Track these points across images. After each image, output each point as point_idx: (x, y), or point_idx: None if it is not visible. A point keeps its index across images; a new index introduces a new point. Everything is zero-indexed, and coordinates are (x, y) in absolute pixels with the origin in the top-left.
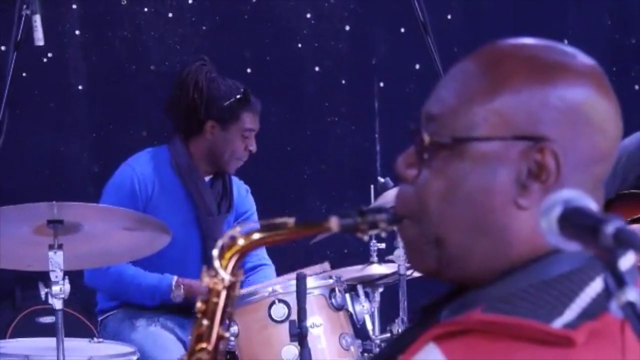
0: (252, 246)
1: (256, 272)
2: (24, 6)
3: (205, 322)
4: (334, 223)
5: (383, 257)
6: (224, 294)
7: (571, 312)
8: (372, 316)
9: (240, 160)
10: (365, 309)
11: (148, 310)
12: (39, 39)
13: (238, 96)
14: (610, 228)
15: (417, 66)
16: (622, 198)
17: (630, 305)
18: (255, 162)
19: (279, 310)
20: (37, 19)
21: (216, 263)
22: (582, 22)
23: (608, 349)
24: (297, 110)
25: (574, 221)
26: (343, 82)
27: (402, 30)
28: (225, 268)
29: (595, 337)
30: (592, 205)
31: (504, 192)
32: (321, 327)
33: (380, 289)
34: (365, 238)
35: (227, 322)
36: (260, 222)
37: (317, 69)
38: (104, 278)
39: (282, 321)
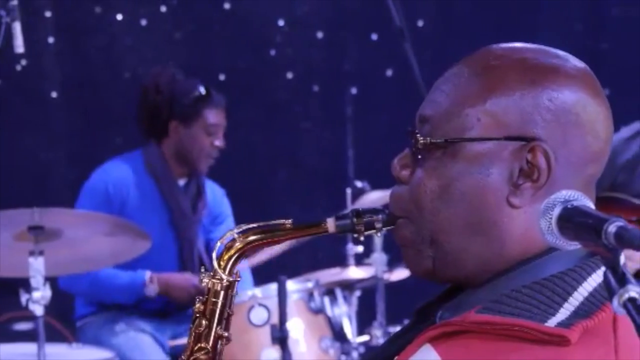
0: (250, 247)
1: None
2: (4, 13)
3: (204, 322)
4: (330, 224)
5: (361, 261)
6: (222, 294)
7: (565, 312)
8: (350, 319)
9: (210, 157)
10: (343, 312)
11: (126, 314)
12: (19, 45)
13: (197, 93)
14: (612, 227)
15: (389, 72)
16: (600, 201)
17: (631, 301)
18: (228, 167)
19: (258, 314)
20: (17, 27)
21: (215, 264)
22: (553, 27)
23: (601, 347)
24: (270, 116)
25: (575, 221)
26: (315, 88)
27: (374, 37)
28: (224, 269)
29: (589, 336)
30: (590, 204)
31: (496, 191)
32: (301, 331)
33: (358, 293)
34: (362, 238)
35: (226, 322)
36: (258, 224)
37: (289, 75)
38: (79, 281)
39: (261, 325)
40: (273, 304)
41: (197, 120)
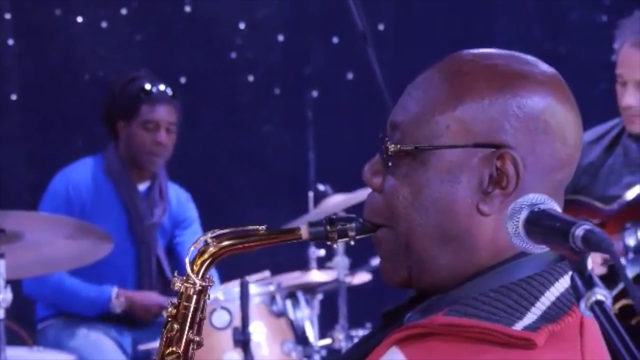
0: (223, 252)
1: None
2: None
3: (175, 326)
4: (304, 231)
5: (323, 264)
6: (195, 298)
7: (532, 315)
8: (312, 322)
9: (154, 154)
10: (305, 315)
11: (88, 317)
12: None
13: (135, 90)
14: (579, 230)
15: (350, 76)
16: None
17: (598, 304)
18: (190, 170)
19: (220, 317)
20: None
21: (188, 268)
22: (511, 31)
23: (568, 351)
24: (231, 119)
25: (542, 224)
26: (277, 91)
27: (335, 40)
28: (197, 273)
29: (555, 340)
30: (557, 208)
31: (466, 198)
32: (263, 334)
33: (320, 296)
34: (335, 246)
35: (198, 326)
36: (231, 229)
37: (250, 78)
38: (43, 289)
39: (224, 328)
40: (235, 307)
41: (135, 117)
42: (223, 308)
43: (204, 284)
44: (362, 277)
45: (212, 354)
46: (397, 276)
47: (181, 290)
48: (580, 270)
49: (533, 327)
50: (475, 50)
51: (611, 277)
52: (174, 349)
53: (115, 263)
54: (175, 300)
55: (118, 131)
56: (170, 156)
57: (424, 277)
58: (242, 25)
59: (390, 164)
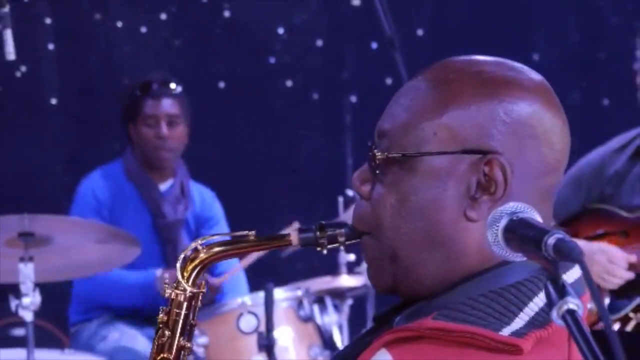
0: (213, 259)
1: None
2: None
3: (167, 332)
4: (294, 237)
5: (352, 269)
6: (185, 305)
7: (519, 321)
8: (340, 327)
9: (159, 149)
10: (333, 320)
11: (119, 321)
12: (10, 52)
13: (137, 89)
14: (551, 239)
15: (389, 81)
16: (588, 213)
17: (570, 313)
18: (226, 175)
19: (247, 322)
20: (8, 34)
21: (178, 274)
22: (551, 37)
23: (554, 357)
24: (268, 124)
25: (519, 233)
26: (315, 96)
27: (374, 45)
28: (187, 279)
29: (542, 345)
30: (537, 217)
31: (454, 205)
32: (290, 338)
33: (349, 301)
34: (324, 252)
35: (189, 333)
36: (221, 235)
37: (289, 83)
38: (93, 286)
39: (251, 332)
40: (262, 311)
41: (139, 116)
42: (250, 313)
43: (194, 290)
44: None
45: (240, 357)
46: (382, 282)
47: (172, 297)
48: (554, 278)
49: (520, 333)
50: (462, 57)
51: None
52: (165, 355)
53: (143, 264)
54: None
55: (131, 135)
56: (181, 149)
57: (409, 285)
58: (280, 30)
59: (378, 171)
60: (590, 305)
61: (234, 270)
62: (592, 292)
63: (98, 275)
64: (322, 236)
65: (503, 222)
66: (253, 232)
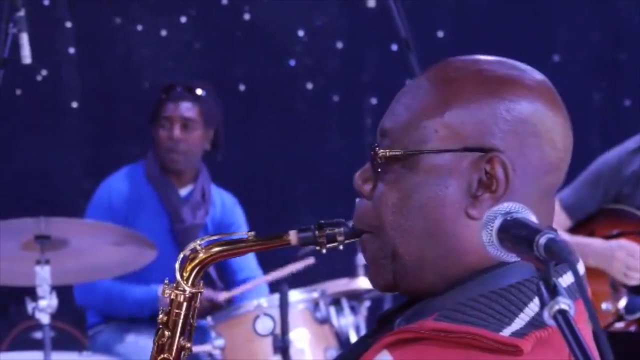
0: (213, 259)
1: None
2: (11, 25)
3: (166, 333)
4: (293, 236)
5: None
6: (185, 305)
7: (520, 322)
8: (358, 329)
9: (170, 151)
10: (349, 322)
11: (137, 324)
12: (26, 56)
13: (159, 96)
14: (542, 239)
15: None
16: (604, 213)
17: (561, 313)
18: (247, 177)
19: (264, 324)
20: (25, 38)
21: (178, 275)
22: (572, 38)
23: (554, 357)
24: (289, 126)
25: (512, 233)
26: (335, 98)
27: (393, 47)
28: (187, 280)
29: (542, 346)
30: (532, 217)
31: (455, 202)
32: (306, 340)
33: (367, 303)
34: (324, 251)
35: (189, 333)
36: (220, 235)
37: (309, 86)
38: (94, 297)
39: (267, 335)
40: (278, 313)
41: (158, 117)
42: (266, 315)
43: (194, 290)
44: None
45: (256, 359)
46: (382, 280)
47: (171, 297)
48: (546, 278)
49: (520, 333)
50: (464, 57)
51: None
52: (165, 355)
53: (160, 268)
54: (195, 303)
55: (152, 136)
56: (196, 153)
57: (409, 282)
58: (301, 33)
59: (379, 170)
60: (605, 305)
61: (254, 282)
62: (581, 292)
63: (98, 287)
64: (320, 235)
65: (497, 222)
66: (252, 232)
